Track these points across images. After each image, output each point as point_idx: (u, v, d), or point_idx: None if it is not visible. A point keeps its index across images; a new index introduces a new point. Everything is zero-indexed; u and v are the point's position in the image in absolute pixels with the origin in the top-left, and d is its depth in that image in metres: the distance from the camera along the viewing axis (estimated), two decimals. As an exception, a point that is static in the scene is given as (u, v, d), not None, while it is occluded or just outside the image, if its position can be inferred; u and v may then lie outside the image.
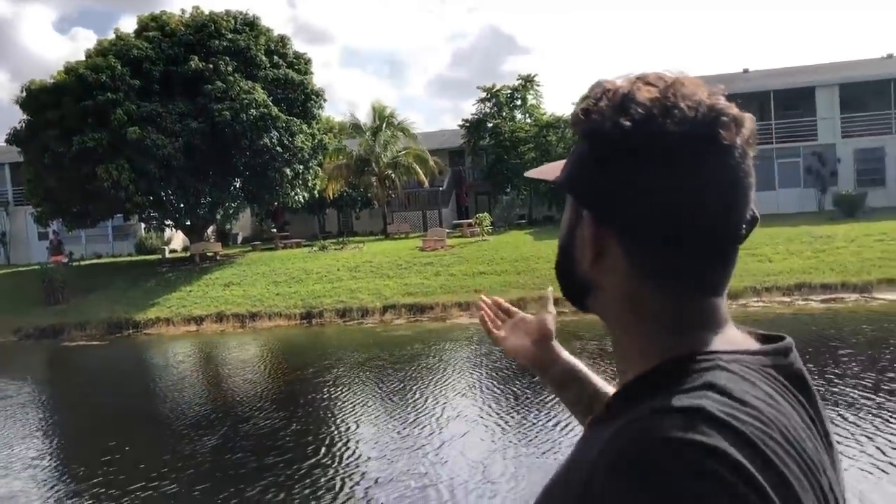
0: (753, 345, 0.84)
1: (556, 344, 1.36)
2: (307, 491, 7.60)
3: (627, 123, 0.79)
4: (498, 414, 9.99)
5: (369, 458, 8.58)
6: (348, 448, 9.07)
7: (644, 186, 0.79)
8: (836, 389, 9.73)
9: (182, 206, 28.93)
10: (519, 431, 9.09)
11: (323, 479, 7.95)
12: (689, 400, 0.72)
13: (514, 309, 1.45)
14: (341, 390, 12.43)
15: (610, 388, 1.26)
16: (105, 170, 24.24)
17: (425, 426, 9.69)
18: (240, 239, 40.17)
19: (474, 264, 22.99)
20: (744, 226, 0.82)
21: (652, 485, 0.67)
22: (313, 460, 8.61)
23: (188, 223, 29.61)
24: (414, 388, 12.09)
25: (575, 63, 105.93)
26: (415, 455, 8.51)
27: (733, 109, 0.81)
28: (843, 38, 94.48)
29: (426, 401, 11.13)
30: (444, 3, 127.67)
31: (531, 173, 1.03)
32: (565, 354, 1.36)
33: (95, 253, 36.69)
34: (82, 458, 9.70)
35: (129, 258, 33.70)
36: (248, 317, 21.29)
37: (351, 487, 7.66)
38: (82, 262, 31.48)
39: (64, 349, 20.19)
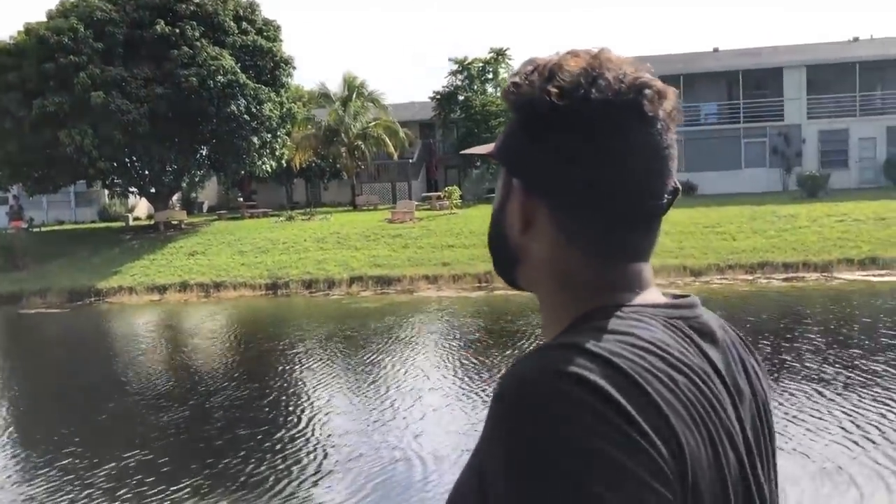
0: (664, 300, 0.88)
1: None
2: (280, 464, 7.58)
3: (554, 90, 0.82)
4: (470, 386, 10.04)
5: (346, 431, 8.54)
6: (321, 420, 9.03)
7: (569, 154, 0.82)
8: (804, 367, 9.93)
9: (147, 173, 28.49)
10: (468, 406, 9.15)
11: (297, 452, 7.92)
12: (570, 338, 0.77)
13: None
14: (310, 362, 12.39)
15: None
16: (67, 134, 23.74)
17: (398, 398, 9.71)
18: (205, 207, 39.70)
19: (443, 237, 22.98)
20: (666, 196, 0.85)
21: (519, 408, 0.72)
22: (286, 432, 8.57)
23: (153, 190, 29.17)
24: (384, 360, 12.09)
25: (545, 37, 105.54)
26: (390, 427, 8.52)
27: (657, 83, 0.84)
28: (810, 20, 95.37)
29: (397, 373, 11.15)
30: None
31: (469, 150, 1.06)
32: None
33: (57, 219, 36.03)
34: (46, 429, 9.55)
35: (91, 225, 33.16)
36: (213, 286, 21.09)
37: (327, 460, 7.64)
38: (43, 228, 30.89)
39: (22, 316, 19.85)
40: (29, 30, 25.12)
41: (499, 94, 36.73)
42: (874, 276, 17.44)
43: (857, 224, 20.64)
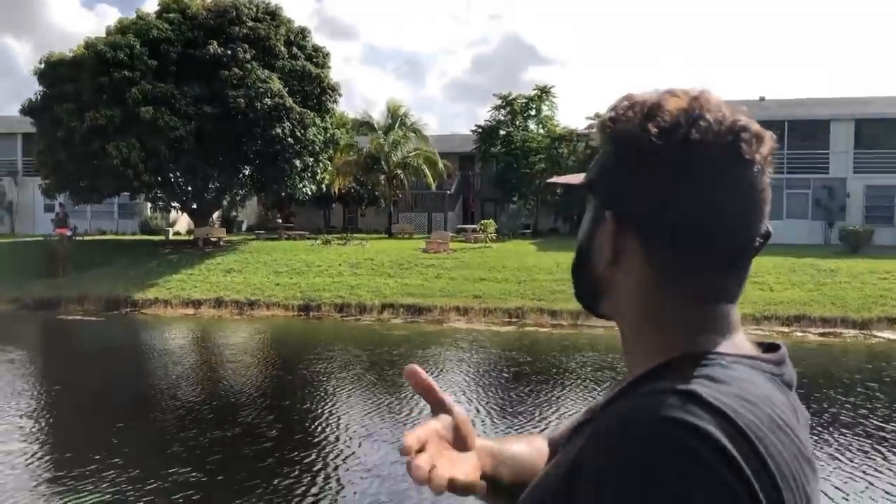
0: (758, 352, 0.87)
1: (479, 442, 0.99)
2: (295, 483, 7.58)
3: (655, 129, 0.83)
4: (493, 420, 9.96)
5: (364, 453, 8.54)
6: (342, 442, 9.04)
7: (666, 191, 0.82)
8: (831, 427, 9.68)
9: (189, 189, 29.01)
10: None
11: (316, 470, 7.93)
12: (683, 384, 0.75)
13: (424, 431, 0.89)
14: (335, 384, 12.41)
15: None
16: (115, 147, 24.29)
17: (391, 427, 9.64)
18: (244, 226, 40.22)
19: (476, 270, 22.96)
20: (758, 239, 0.86)
21: (633, 458, 0.70)
22: (303, 451, 8.58)
23: (194, 206, 29.65)
24: (401, 387, 12.06)
25: (592, 79, 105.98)
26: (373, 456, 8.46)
27: (755, 126, 0.85)
28: (860, 73, 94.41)
29: (410, 402, 11.10)
30: (468, 8, 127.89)
31: (557, 179, 1.06)
32: (496, 446, 1.03)
33: (100, 229, 36.73)
34: (67, 434, 9.67)
35: (132, 237, 33.75)
36: (247, 304, 21.29)
37: (346, 481, 7.64)
38: (86, 238, 31.50)
39: (59, 322, 20.20)
40: (88, 45, 25.88)
41: (541, 130, 37.08)
42: (916, 336, 16.98)
43: (900, 282, 20.18)
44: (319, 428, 9.69)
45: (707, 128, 0.82)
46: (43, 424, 10.13)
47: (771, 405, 0.77)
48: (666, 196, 0.82)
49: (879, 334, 17.27)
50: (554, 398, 11.21)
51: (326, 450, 8.69)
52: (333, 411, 10.54)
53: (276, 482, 7.54)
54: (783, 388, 0.83)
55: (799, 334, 17.48)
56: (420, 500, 6.99)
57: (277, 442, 8.97)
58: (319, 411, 10.52)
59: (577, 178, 0.96)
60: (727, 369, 0.79)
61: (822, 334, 17.44)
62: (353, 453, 8.49)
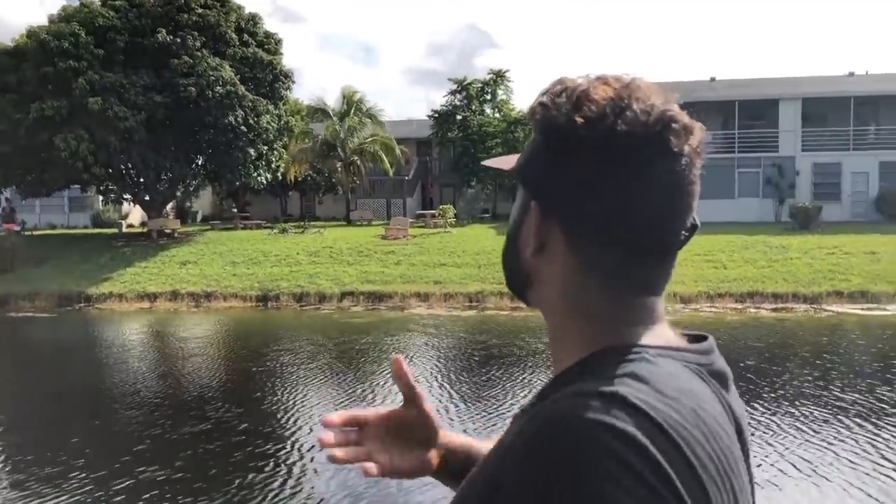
0: (683, 343, 0.86)
1: (444, 433, 1.09)
2: (261, 471, 7.54)
3: (580, 119, 0.81)
4: (459, 404, 10.01)
5: (312, 446, 8.51)
6: (310, 434, 8.99)
7: (591, 183, 0.81)
8: (783, 398, 9.94)
9: (142, 180, 28.48)
10: (481, 421, 9.12)
11: (276, 464, 7.89)
12: (607, 385, 0.74)
13: (364, 413, 1.05)
14: (297, 374, 12.34)
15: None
16: (63, 139, 23.72)
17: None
18: (199, 217, 39.66)
19: (435, 255, 22.98)
20: (684, 232, 0.84)
21: (557, 461, 0.69)
22: (270, 444, 8.53)
23: (147, 198, 29.13)
24: (372, 375, 12.05)
25: (546, 62, 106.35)
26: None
27: (685, 117, 0.83)
28: (807, 53, 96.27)
29: (381, 390, 11.11)
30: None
31: (489, 162, 1.05)
32: (458, 439, 1.12)
33: (50, 223, 35.92)
34: (27, 437, 9.46)
35: (84, 230, 33.06)
36: (203, 296, 21.02)
37: (308, 474, 7.62)
38: (35, 232, 30.77)
39: (9, 320, 19.72)
40: (31, 33, 25.15)
41: (497, 115, 37.15)
42: (863, 309, 17.50)
43: (848, 257, 20.75)
44: (290, 420, 9.61)
45: (634, 118, 0.80)
46: None
47: (696, 399, 0.76)
48: (590, 187, 0.81)
49: (828, 308, 17.74)
50: (525, 380, 11.30)
51: (298, 442, 8.61)
52: (303, 402, 10.45)
53: (249, 477, 7.45)
54: (710, 380, 0.82)
55: (752, 310, 17.87)
56: (394, 490, 7.02)
57: (248, 436, 8.87)
58: (289, 403, 10.44)
59: (509, 162, 0.94)
60: (651, 364, 0.78)
61: (774, 309, 17.85)
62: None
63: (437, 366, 12.81)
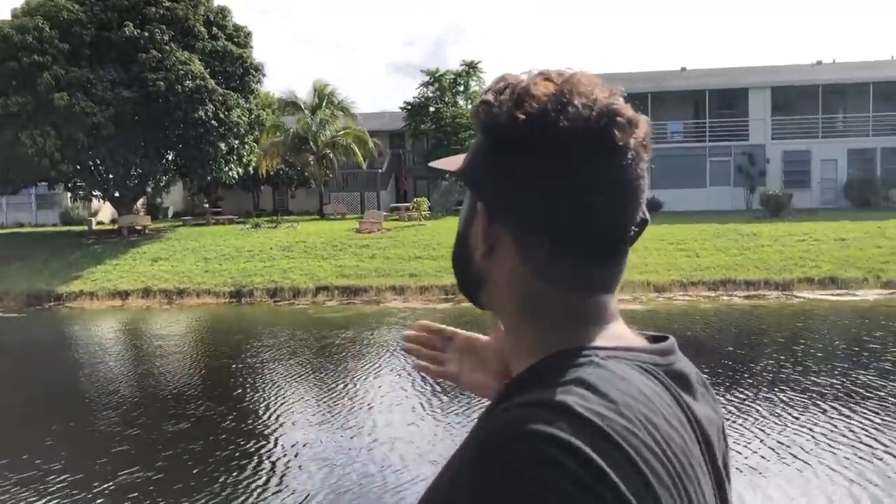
0: (639, 343, 0.85)
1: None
2: (238, 471, 7.46)
3: (521, 117, 0.79)
4: (441, 396, 9.99)
5: (312, 440, 8.46)
6: (287, 431, 8.91)
7: (534, 182, 0.79)
8: (761, 384, 10.04)
9: (111, 176, 28.09)
10: (461, 414, 9.11)
11: (264, 461, 7.81)
12: (553, 395, 0.73)
13: (449, 328, 1.24)
14: (276, 370, 12.25)
15: None
16: (29, 136, 23.31)
17: (361, 408, 9.63)
18: (170, 213, 39.21)
19: (411, 248, 22.93)
20: (634, 228, 0.83)
21: (500, 472, 0.68)
22: (250, 442, 8.45)
23: (117, 195, 28.74)
24: (348, 371, 12.00)
25: (518, 52, 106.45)
26: (357, 437, 8.45)
27: (629, 111, 0.81)
28: (777, 41, 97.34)
29: (362, 382, 11.06)
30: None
31: (436, 163, 1.03)
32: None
33: (17, 221, 35.32)
34: (13, 439, 9.30)
35: (53, 228, 32.53)
36: (176, 293, 20.80)
37: (293, 471, 7.56)
38: (2, 231, 30.23)
39: (-22, 320, 19.36)
40: (-7, 28, 24.62)
41: (469, 106, 37.09)
42: (833, 295, 17.75)
43: (818, 244, 21.03)
44: (272, 417, 9.53)
45: (576, 114, 0.78)
46: None
47: (646, 403, 0.75)
48: (534, 187, 0.79)
49: (799, 294, 17.97)
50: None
51: (282, 439, 8.53)
52: (285, 399, 10.37)
53: (233, 476, 7.37)
54: (667, 381, 0.80)
55: (725, 298, 18.05)
56: (380, 486, 6.99)
57: (230, 434, 8.76)
58: (270, 400, 10.34)
59: (455, 163, 0.92)
60: (599, 368, 0.76)
61: (747, 297, 18.05)
62: (309, 442, 8.36)
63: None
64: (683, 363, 0.86)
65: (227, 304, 20.14)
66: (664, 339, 0.87)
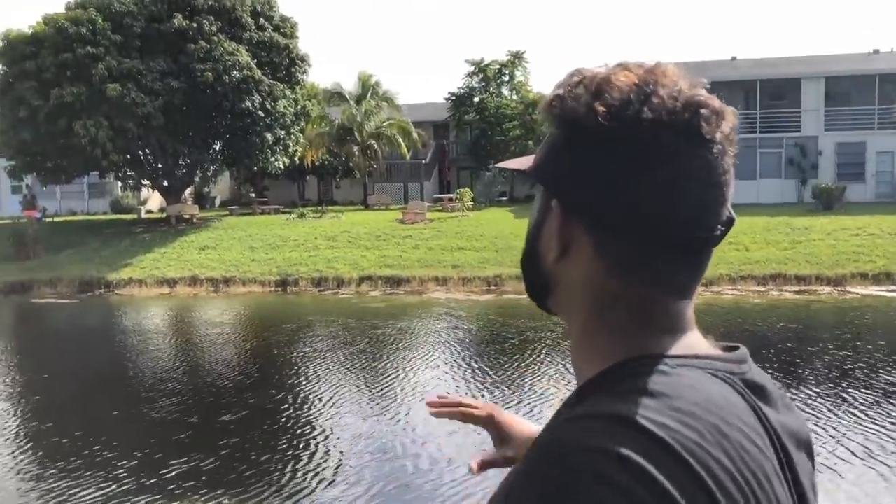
0: (714, 352, 0.81)
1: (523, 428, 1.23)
2: (289, 464, 7.53)
3: (602, 109, 0.75)
4: (479, 388, 9.97)
5: (356, 433, 8.50)
6: (332, 422, 8.98)
7: (617, 176, 0.75)
8: (828, 381, 9.81)
9: (160, 166, 28.57)
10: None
11: (307, 453, 7.88)
12: (616, 406, 0.70)
13: (473, 406, 1.26)
14: (309, 361, 12.35)
15: None
16: (83, 125, 23.81)
17: (406, 400, 9.65)
18: (217, 202, 39.76)
19: (453, 239, 22.91)
20: (720, 226, 0.79)
21: (555, 487, 0.66)
22: (295, 431, 8.54)
23: (165, 184, 29.23)
24: (393, 361, 12.04)
25: (564, 43, 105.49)
26: (399, 429, 8.46)
27: (715, 101, 0.77)
28: (830, 30, 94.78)
29: (405, 374, 11.09)
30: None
31: (504, 164, 0.99)
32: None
33: (70, 210, 36.17)
34: (60, 425, 9.49)
35: (104, 216, 33.25)
36: (223, 281, 21.10)
37: (334, 462, 7.60)
38: (56, 219, 31.00)
39: (31, 306, 19.90)
40: (48, 20, 25.19)
41: (515, 96, 36.88)
42: (888, 291, 17.25)
43: (872, 238, 20.45)
44: (325, 407, 9.53)
45: (661, 105, 0.74)
46: (32, 416, 9.75)
47: (719, 413, 0.71)
48: (617, 182, 0.75)
49: (853, 290, 17.51)
50: (550, 364, 11.22)
51: (336, 430, 8.54)
52: (337, 389, 10.37)
53: (290, 466, 7.44)
54: (743, 390, 0.76)
55: (775, 293, 17.67)
56: (436, 479, 6.98)
57: (286, 423, 8.83)
58: (323, 390, 10.35)
59: (524, 163, 0.88)
60: (668, 376, 0.73)
61: (797, 292, 17.65)
62: (363, 433, 8.36)
63: (460, 350, 12.77)
64: (758, 373, 0.81)
65: (272, 292, 20.37)
66: (736, 347, 0.82)
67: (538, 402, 9.25)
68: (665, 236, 0.76)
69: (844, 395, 9.05)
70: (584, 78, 0.80)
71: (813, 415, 8.29)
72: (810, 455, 0.83)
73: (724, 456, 0.68)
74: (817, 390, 9.30)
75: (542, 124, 34.47)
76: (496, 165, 1.08)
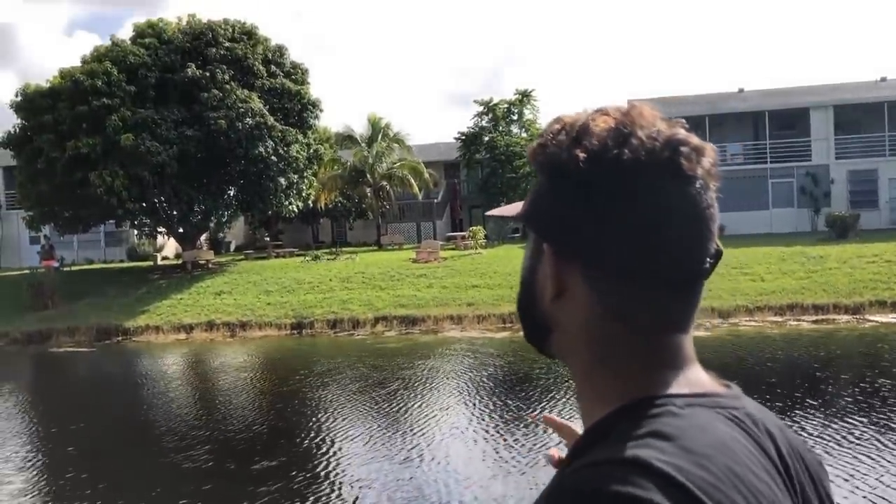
0: (715, 387, 0.82)
1: None
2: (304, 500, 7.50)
3: (583, 154, 0.78)
4: (498, 430, 9.91)
5: (361, 479, 8.44)
6: (351, 463, 8.91)
7: (603, 218, 0.77)
8: (870, 411, 9.69)
9: (175, 213, 28.87)
10: (517, 448, 9.01)
11: (323, 494, 7.84)
12: (628, 450, 0.70)
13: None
14: (334, 404, 12.32)
15: None
16: (98, 176, 24.16)
17: (425, 440, 9.60)
18: (232, 247, 40.04)
19: (467, 277, 22.94)
20: (709, 259, 0.80)
21: None
22: (314, 471, 8.49)
23: (181, 230, 29.50)
24: (409, 401, 11.99)
25: (572, 78, 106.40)
26: (422, 470, 8.41)
27: (694, 139, 0.80)
28: (837, 59, 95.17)
29: (422, 414, 11.04)
30: (448, 18, 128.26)
31: (494, 212, 1.03)
32: None
33: (87, 258, 36.50)
34: (53, 467, 9.51)
35: (120, 264, 33.54)
36: (239, 326, 21.18)
37: (334, 498, 7.56)
38: (73, 268, 31.30)
39: (50, 355, 20.02)
40: (65, 74, 25.75)
41: (524, 134, 37.16)
42: (908, 318, 17.06)
43: (889, 265, 20.29)
44: (366, 451, 9.36)
45: (640, 145, 0.77)
46: (66, 466, 9.51)
47: (730, 454, 0.72)
48: (603, 223, 0.77)
49: (872, 318, 17.34)
50: (563, 401, 11.16)
51: (379, 474, 8.37)
52: (375, 433, 10.24)
53: None
54: (750, 427, 0.78)
55: (793, 323, 17.53)
56: None
57: (329, 468, 8.70)
58: (360, 433, 10.21)
59: (514, 209, 0.91)
60: (678, 417, 0.74)
61: (815, 321, 17.50)
62: (401, 479, 8.19)
63: (490, 388, 12.72)
64: (754, 406, 0.83)
65: (288, 335, 20.41)
66: (728, 386, 0.84)
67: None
68: (656, 273, 0.78)
69: (879, 438, 8.71)
70: (564, 125, 0.83)
71: (865, 448, 8.07)
72: (822, 480, 0.84)
73: (739, 496, 0.69)
74: (863, 423, 9.07)
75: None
76: (487, 214, 1.11)
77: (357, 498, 7.72)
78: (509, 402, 11.49)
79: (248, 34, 28.31)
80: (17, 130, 26.49)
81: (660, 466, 0.67)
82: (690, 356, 0.82)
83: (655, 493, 0.65)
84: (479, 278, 22.65)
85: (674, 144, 0.78)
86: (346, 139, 36.26)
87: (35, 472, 9.34)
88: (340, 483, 8.22)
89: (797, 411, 9.65)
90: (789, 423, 8.61)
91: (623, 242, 0.77)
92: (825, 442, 8.33)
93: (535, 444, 8.96)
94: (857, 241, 23.86)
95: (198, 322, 21.59)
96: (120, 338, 21.35)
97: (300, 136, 27.65)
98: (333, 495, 7.85)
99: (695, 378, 0.81)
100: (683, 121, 0.82)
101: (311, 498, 7.74)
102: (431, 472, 8.33)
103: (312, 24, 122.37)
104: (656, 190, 0.77)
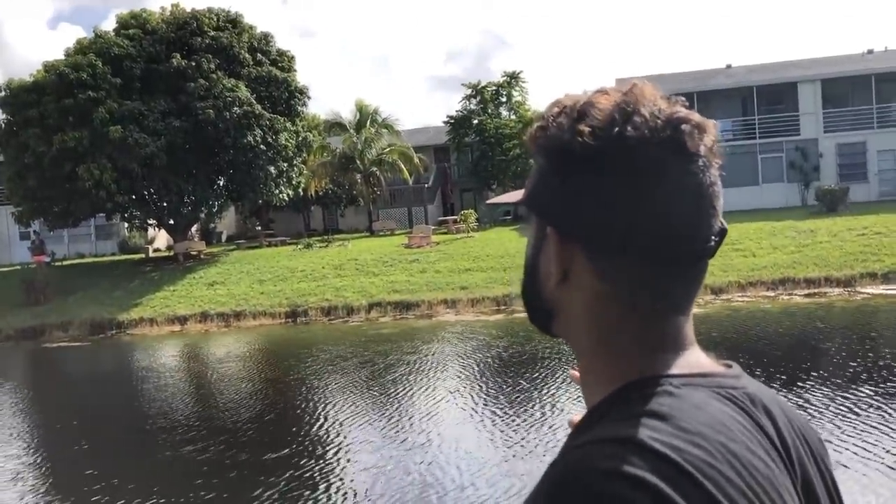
0: (715, 368, 0.83)
1: None
2: (308, 491, 7.53)
3: (587, 129, 0.78)
4: (496, 413, 9.95)
5: (375, 462, 8.47)
6: (353, 452, 8.92)
7: (606, 197, 0.77)
8: (834, 384, 9.77)
9: (165, 204, 28.74)
10: (519, 430, 9.06)
11: (326, 480, 7.87)
12: (623, 429, 0.71)
13: None
14: (332, 391, 12.35)
15: None
16: (86, 169, 24.03)
17: (423, 424, 9.64)
18: (224, 237, 39.93)
19: (460, 261, 22.96)
20: (713, 237, 0.80)
21: None
22: (314, 461, 8.51)
23: (171, 222, 29.39)
24: (406, 386, 12.03)
25: (560, 59, 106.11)
26: (420, 453, 8.44)
27: (695, 116, 0.80)
28: (824, 33, 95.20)
29: (421, 398, 11.08)
30: (434, 1, 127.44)
31: (494, 200, 1.03)
32: None
33: (78, 252, 36.35)
34: (61, 463, 9.52)
35: (112, 257, 33.41)
36: (233, 316, 21.16)
37: (348, 485, 7.59)
38: (64, 262, 31.19)
39: (44, 350, 19.98)
40: (49, 67, 25.53)
41: (513, 116, 37.07)
42: (899, 289, 17.19)
43: (879, 237, 20.41)
44: (377, 438, 9.32)
45: (643, 123, 0.77)
46: (74, 463, 9.42)
47: (725, 432, 0.73)
48: (607, 202, 0.77)
49: (863, 290, 17.46)
50: (560, 384, 11.22)
51: (391, 460, 8.34)
52: (383, 418, 10.19)
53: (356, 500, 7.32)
54: (748, 406, 0.78)
55: (785, 297, 17.64)
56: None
57: (340, 456, 8.69)
58: (368, 420, 10.17)
59: (516, 196, 0.92)
60: (674, 397, 0.74)
61: (807, 295, 17.61)
62: (416, 462, 8.20)
63: (480, 370, 12.76)
64: (754, 385, 0.83)
65: (283, 324, 20.41)
66: (729, 365, 0.84)
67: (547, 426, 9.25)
68: (661, 252, 0.78)
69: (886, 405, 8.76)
70: (564, 107, 0.82)
71: (847, 424, 8.10)
72: (823, 457, 0.85)
73: (734, 473, 0.70)
74: (851, 395, 9.11)
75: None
76: (488, 203, 1.11)
77: (373, 483, 7.72)
78: (520, 382, 11.49)
79: (232, 22, 28.10)
80: (3, 125, 26.29)
81: (654, 445, 0.68)
82: (690, 338, 0.82)
83: (649, 471, 0.67)
84: (471, 262, 22.67)
85: (676, 122, 0.78)
86: (335, 126, 36.10)
87: (37, 469, 9.36)
88: (353, 470, 8.20)
89: (799, 384, 9.71)
90: (795, 398, 8.72)
91: (626, 222, 0.77)
92: (832, 415, 8.39)
93: (546, 424, 9.02)
94: (847, 215, 23.98)
95: (192, 313, 21.56)
96: (114, 331, 21.31)
97: (288, 124, 27.53)
98: (347, 480, 7.85)
99: (694, 359, 0.81)
100: (683, 98, 0.82)
101: (324, 485, 7.75)
102: (443, 455, 8.34)
103: (298, 11, 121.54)
104: (659, 167, 0.77)
